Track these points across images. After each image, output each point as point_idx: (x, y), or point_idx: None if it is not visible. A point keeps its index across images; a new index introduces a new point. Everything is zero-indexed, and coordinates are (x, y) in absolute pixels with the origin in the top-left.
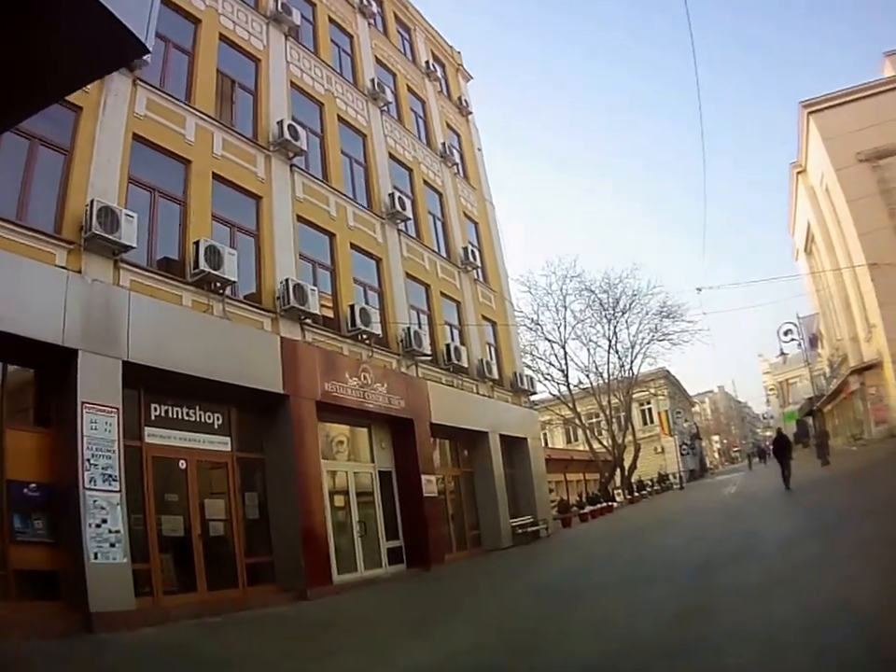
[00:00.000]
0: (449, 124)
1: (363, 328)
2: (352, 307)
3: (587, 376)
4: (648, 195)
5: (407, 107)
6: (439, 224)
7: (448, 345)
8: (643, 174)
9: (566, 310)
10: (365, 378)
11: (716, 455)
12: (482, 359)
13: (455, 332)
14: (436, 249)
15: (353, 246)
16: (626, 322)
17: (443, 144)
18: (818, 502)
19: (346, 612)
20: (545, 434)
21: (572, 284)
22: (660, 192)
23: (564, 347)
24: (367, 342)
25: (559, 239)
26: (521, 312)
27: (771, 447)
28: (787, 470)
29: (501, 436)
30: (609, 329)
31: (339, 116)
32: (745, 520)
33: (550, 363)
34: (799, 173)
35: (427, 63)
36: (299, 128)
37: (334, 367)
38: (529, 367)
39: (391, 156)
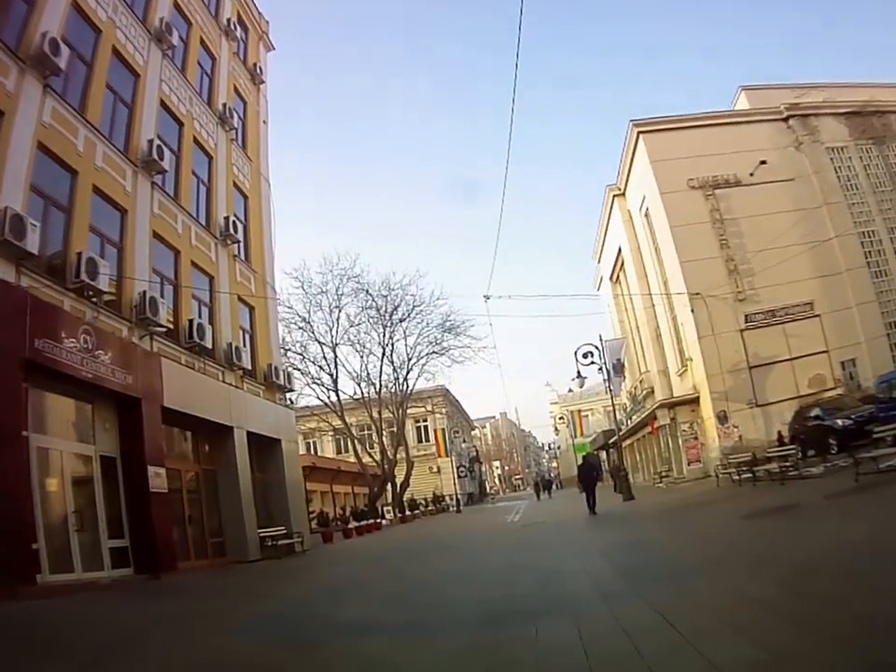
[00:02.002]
0: (237, 89)
1: (89, 281)
2: (79, 255)
3: (359, 385)
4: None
5: (194, 60)
6: (202, 189)
7: (192, 321)
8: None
9: (339, 311)
10: (86, 342)
11: (496, 482)
12: (231, 344)
13: (204, 310)
14: (194, 214)
15: (95, 189)
16: (404, 332)
17: (224, 105)
18: (629, 537)
19: None
20: (314, 442)
21: (349, 285)
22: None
23: (335, 350)
24: (93, 299)
25: (348, 241)
26: (291, 308)
27: (578, 472)
28: (592, 497)
29: (250, 433)
30: (384, 337)
31: (113, 47)
32: (539, 553)
33: (320, 367)
34: (616, 196)
35: (228, 20)
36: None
37: (50, 322)
38: (298, 369)
39: (163, 103)
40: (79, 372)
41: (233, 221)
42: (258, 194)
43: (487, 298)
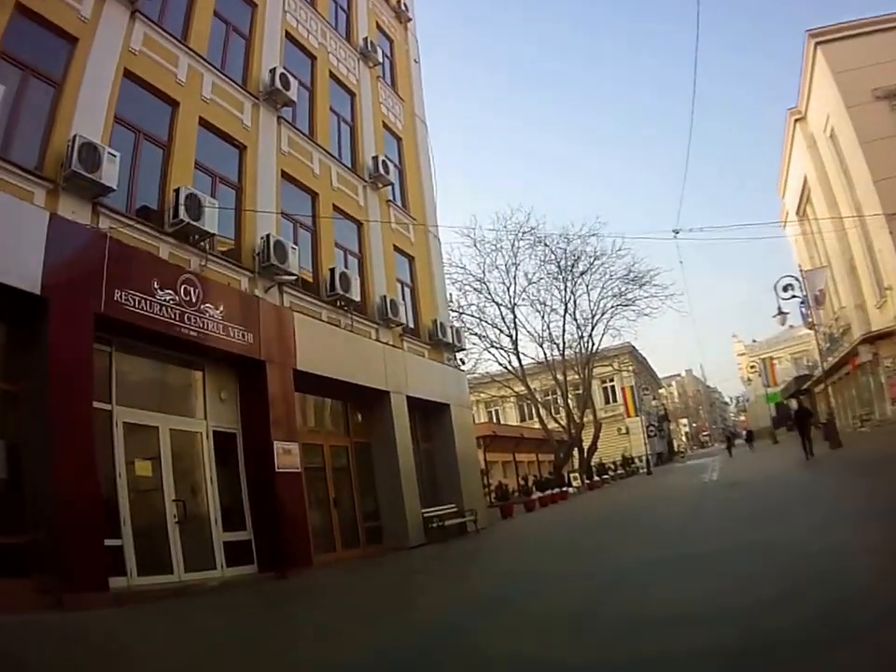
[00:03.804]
0: (381, 26)
1: (192, 222)
2: (177, 192)
3: (541, 346)
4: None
5: None
6: (345, 128)
7: (333, 270)
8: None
9: (516, 268)
10: (188, 294)
11: (683, 439)
12: (386, 297)
13: (353, 261)
14: (335, 154)
15: (203, 122)
16: (587, 286)
17: (366, 40)
18: (872, 495)
19: None
20: (496, 410)
21: (525, 240)
22: (638, 129)
23: (513, 311)
24: (199, 244)
25: (514, 187)
26: (465, 269)
27: (794, 417)
28: (809, 441)
29: (411, 399)
30: (565, 293)
31: None
32: (766, 524)
33: (499, 329)
34: (797, 120)
35: None
36: None
37: (138, 271)
38: (476, 333)
39: (288, 35)
40: (178, 330)
41: (384, 161)
42: (413, 136)
43: (676, 232)
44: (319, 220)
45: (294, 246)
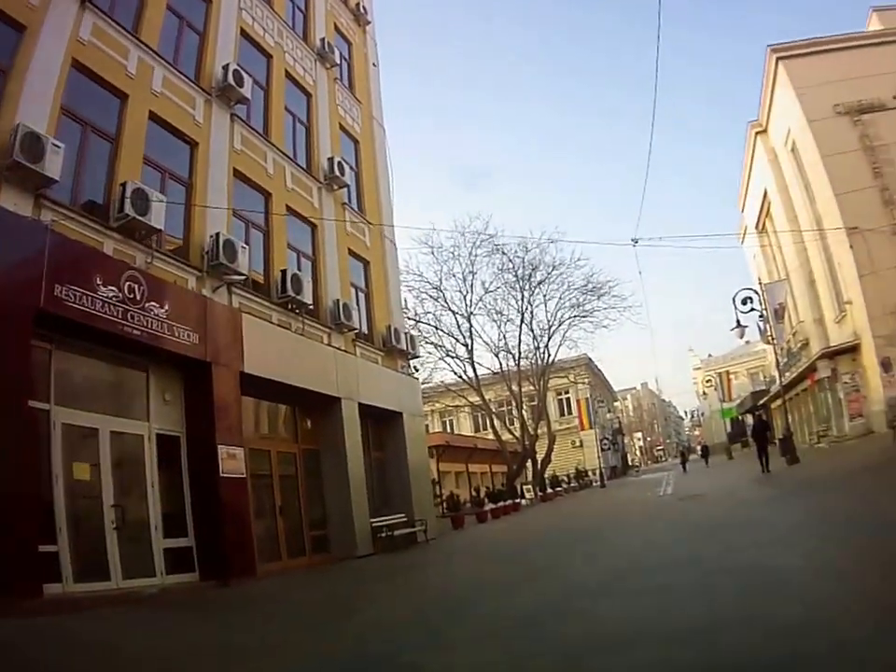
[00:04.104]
0: (339, 28)
1: (138, 217)
2: (124, 186)
3: (497, 356)
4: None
5: None
6: (301, 129)
7: (285, 272)
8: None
9: (473, 276)
10: (132, 291)
11: (637, 454)
12: (339, 301)
13: (306, 263)
14: (290, 155)
15: (153, 117)
16: (544, 296)
17: (323, 41)
18: (840, 512)
19: None
20: (451, 420)
21: (483, 248)
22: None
23: (469, 320)
24: (145, 240)
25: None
26: (422, 276)
27: (751, 431)
28: (766, 456)
29: (363, 406)
30: (522, 302)
31: None
32: (723, 539)
33: (455, 338)
34: (758, 133)
35: None
36: None
37: (80, 265)
38: (432, 342)
39: (244, 32)
40: (121, 329)
41: (339, 163)
42: (370, 139)
43: (636, 241)
44: (272, 221)
45: (244, 246)
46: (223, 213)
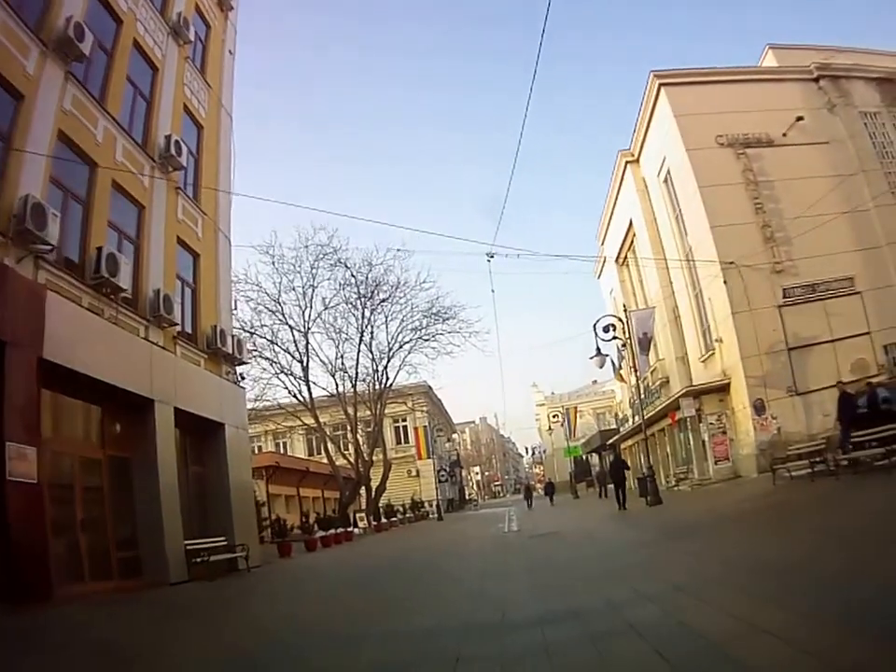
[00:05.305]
0: (199, 7)
1: None
2: None
3: (333, 376)
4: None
5: None
6: (141, 104)
7: (100, 250)
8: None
9: (313, 290)
10: None
11: (475, 487)
12: (160, 292)
13: (127, 246)
14: (125, 126)
15: None
16: (386, 317)
17: (179, 15)
18: (719, 557)
19: None
20: (285, 442)
21: (326, 261)
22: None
23: (307, 336)
24: None
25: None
26: (260, 287)
27: (610, 468)
28: (623, 493)
29: (180, 412)
30: (362, 321)
31: None
32: (591, 587)
33: (291, 355)
34: (629, 162)
35: None
36: None
37: None
38: (267, 358)
39: None
40: None
41: (177, 142)
42: (216, 127)
43: (491, 256)
44: (95, 194)
45: (56, 213)
46: (38, 175)
